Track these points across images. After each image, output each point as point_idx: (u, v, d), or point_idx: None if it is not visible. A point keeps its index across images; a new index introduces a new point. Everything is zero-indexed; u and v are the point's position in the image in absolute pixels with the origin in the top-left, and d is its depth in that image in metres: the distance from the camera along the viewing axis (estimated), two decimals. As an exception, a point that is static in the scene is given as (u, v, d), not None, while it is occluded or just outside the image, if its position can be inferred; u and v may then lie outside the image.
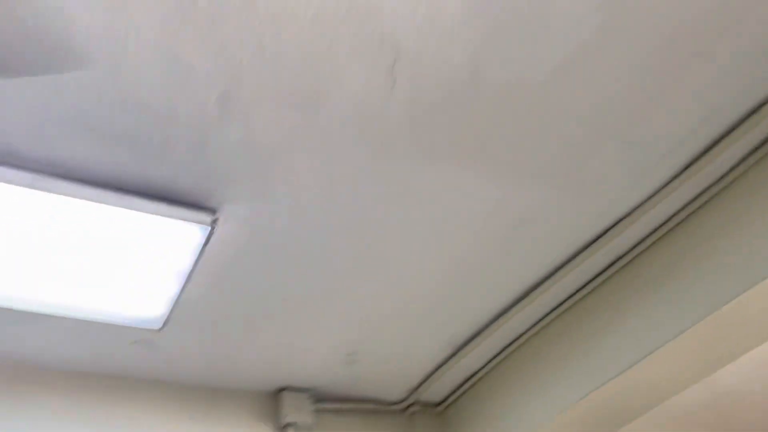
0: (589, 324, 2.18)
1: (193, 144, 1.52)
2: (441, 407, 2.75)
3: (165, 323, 1.96)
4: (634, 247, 2.03)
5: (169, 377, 2.39)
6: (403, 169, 1.68)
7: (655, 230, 1.97)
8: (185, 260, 1.74)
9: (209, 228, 1.64)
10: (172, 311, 1.93)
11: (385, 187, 1.73)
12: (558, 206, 1.87)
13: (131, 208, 1.56)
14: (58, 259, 1.68)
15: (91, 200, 1.53)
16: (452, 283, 2.14)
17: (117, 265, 1.73)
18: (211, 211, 1.65)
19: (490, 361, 2.52)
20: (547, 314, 2.29)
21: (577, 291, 2.20)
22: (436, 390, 2.67)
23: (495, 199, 1.81)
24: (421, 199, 1.79)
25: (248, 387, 2.51)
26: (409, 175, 1.70)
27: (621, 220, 1.94)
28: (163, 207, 1.59)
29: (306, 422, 2.48)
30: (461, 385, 2.65)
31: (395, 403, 2.70)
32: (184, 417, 2.35)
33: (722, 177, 1.80)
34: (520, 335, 2.39)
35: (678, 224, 1.94)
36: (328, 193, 1.72)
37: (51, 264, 1.69)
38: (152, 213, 1.58)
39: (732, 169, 1.78)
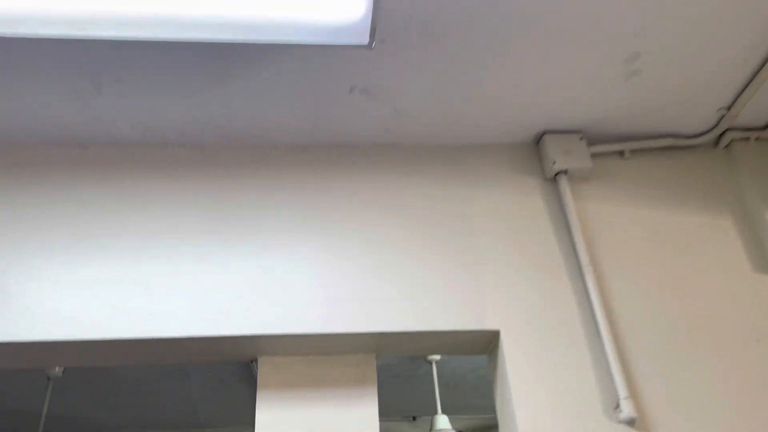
0: None
1: None
2: (769, 131, 2.01)
3: (372, 35, 1.53)
4: None
5: (406, 138, 2.00)
6: None
7: None
8: None
9: None
10: (374, 11, 1.49)
11: None
12: None
13: None
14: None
15: None
16: None
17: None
18: None
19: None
20: None
21: None
22: (758, 107, 1.93)
23: None
24: None
25: (501, 137, 2.02)
26: None
27: None
28: None
29: (581, 168, 1.93)
30: (798, 92, 1.88)
31: (701, 134, 2.02)
32: (432, 181, 1.95)
33: None
34: None
35: None
36: None
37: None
38: None
39: None
